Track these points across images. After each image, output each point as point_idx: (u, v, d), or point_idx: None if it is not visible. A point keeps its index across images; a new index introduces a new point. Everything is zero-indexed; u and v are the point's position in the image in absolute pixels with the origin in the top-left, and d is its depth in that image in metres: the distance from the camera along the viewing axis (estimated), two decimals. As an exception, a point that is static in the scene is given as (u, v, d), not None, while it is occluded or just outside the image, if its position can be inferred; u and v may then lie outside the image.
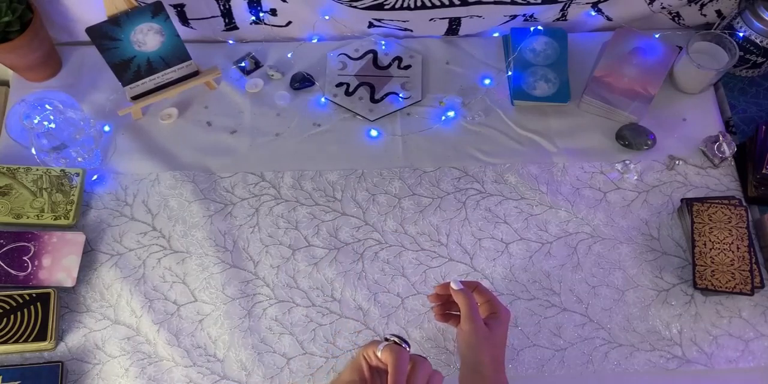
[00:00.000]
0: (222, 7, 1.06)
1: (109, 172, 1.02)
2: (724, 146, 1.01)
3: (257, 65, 1.11)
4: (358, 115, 1.07)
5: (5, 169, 0.98)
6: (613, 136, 1.05)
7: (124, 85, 1.02)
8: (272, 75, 1.10)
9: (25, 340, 0.88)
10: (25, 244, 0.94)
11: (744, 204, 0.98)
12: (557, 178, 1.03)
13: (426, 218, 1.00)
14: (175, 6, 1.05)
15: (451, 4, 1.04)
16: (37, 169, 0.99)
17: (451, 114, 1.07)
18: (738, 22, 1.05)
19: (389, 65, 1.11)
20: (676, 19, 1.13)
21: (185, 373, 0.89)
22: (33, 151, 0.98)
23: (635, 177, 1.02)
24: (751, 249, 0.93)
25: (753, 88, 1.10)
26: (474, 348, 0.77)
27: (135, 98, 1.04)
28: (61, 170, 0.99)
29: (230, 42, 1.13)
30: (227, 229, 0.98)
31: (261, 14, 1.08)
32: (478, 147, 1.05)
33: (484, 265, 0.96)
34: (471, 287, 0.82)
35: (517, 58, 1.09)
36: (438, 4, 1.04)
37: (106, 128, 1.05)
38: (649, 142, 1.04)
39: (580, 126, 1.07)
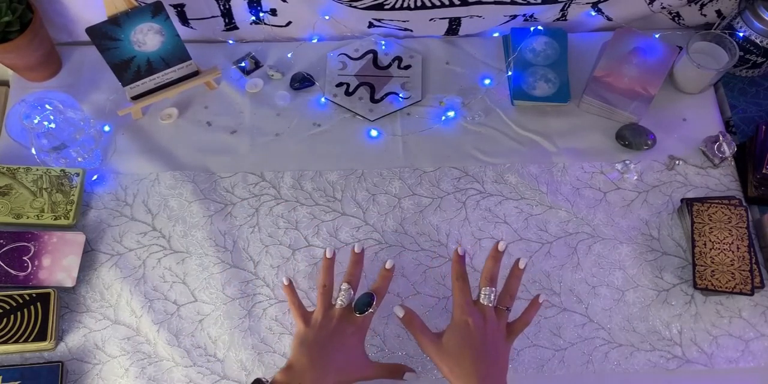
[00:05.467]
0: (222, 7, 1.06)
1: (109, 172, 1.02)
2: (724, 146, 1.01)
3: (257, 65, 1.11)
4: (358, 115, 1.07)
5: (5, 169, 0.98)
6: (613, 136, 1.06)
7: (124, 85, 1.02)
8: (272, 75, 1.10)
9: (25, 340, 0.88)
10: (25, 244, 0.94)
11: (744, 204, 0.98)
12: (557, 178, 1.03)
13: (426, 218, 1.00)
14: (175, 6, 1.05)
15: (451, 4, 1.04)
16: (37, 169, 0.99)
17: (451, 114, 1.07)
18: (738, 22, 1.05)
19: (389, 65, 1.11)
20: (676, 19, 1.13)
21: (185, 373, 0.89)
22: (33, 151, 0.98)
23: (635, 177, 1.02)
24: (751, 249, 0.93)
25: (753, 88, 1.10)
26: (430, 357, 0.79)
27: (135, 98, 1.04)
28: (61, 170, 0.99)
29: (230, 42, 1.13)
30: (227, 229, 0.98)
31: (261, 14, 1.08)
32: (478, 147, 1.05)
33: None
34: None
35: (517, 58, 1.09)
36: (438, 4, 1.04)
37: (106, 128, 1.05)
38: (649, 142, 1.04)
39: (580, 126, 1.07)
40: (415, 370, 0.86)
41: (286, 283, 0.86)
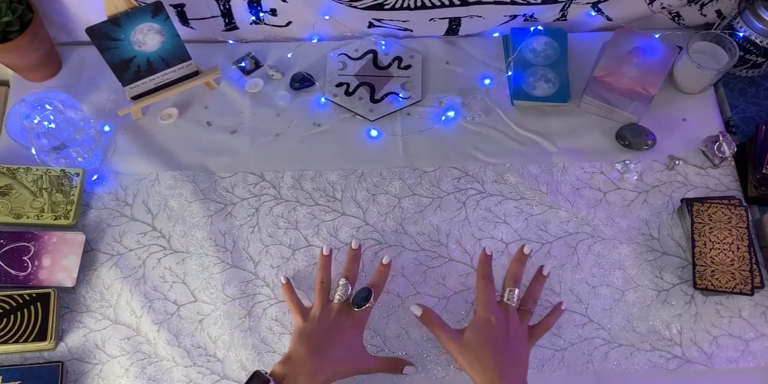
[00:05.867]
0: (222, 7, 1.06)
1: (109, 172, 1.02)
2: (724, 146, 1.01)
3: (257, 65, 1.11)
4: (358, 115, 1.07)
5: (5, 169, 0.98)
6: (613, 136, 1.06)
7: (124, 85, 1.02)
8: (272, 75, 1.10)
9: (25, 340, 0.88)
10: (25, 244, 0.94)
11: (744, 204, 0.98)
12: (557, 178, 1.03)
13: (426, 218, 1.00)
14: (175, 6, 1.05)
15: (451, 4, 1.04)
16: (37, 169, 0.99)
17: (451, 114, 1.07)
18: (738, 22, 1.05)
19: (389, 65, 1.11)
20: (676, 19, 1.13)
21: (185, 373, 0.89)
22: (33, 151, 0.98)
23: (635, 177, 1.02)
24: (751, 249, 0.93)
25: (753, 88, 1.10)
26: (451, 353, 0.81)
27: (135, 98, 1.04)
28: (61, 170, 0.99)
29: (230, 42, 1.13)
30: (227, 229, 0.98)
31: (261, 14, 1.08)
32: (478, 147, 1.05)
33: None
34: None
35: (517, 58, 1.09)
36: (438, 4, 1.04)
37: (106, 128, 1.05)
38: (649, 142, 1.04)
39: (580, 126, 1.07)
40: (415, 365, 0.87)
41: (283, 281, 0.88)
